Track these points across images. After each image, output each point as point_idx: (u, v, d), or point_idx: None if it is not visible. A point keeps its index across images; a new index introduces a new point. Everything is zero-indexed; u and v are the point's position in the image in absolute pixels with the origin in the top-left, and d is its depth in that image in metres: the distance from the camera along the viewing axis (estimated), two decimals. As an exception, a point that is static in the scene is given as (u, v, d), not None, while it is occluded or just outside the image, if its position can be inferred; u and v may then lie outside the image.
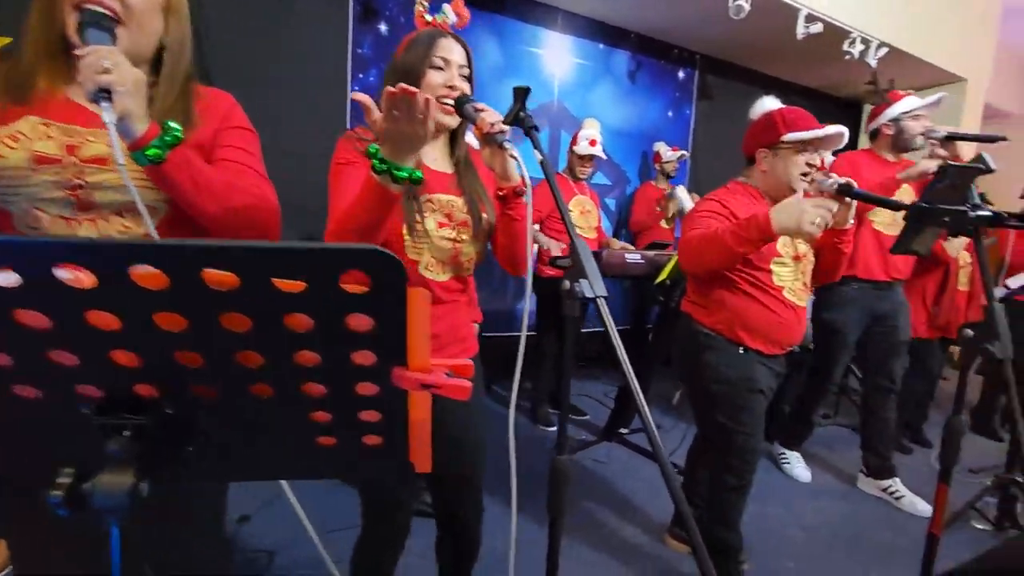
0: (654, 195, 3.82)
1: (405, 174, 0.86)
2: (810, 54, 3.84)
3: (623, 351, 0.72)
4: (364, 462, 0.59)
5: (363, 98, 0.84)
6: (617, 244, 3.12)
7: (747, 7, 3.08)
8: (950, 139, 2.12)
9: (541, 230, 3.01)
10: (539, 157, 0.85)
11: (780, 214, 1.32)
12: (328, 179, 1.09)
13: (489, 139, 0.98)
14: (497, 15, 3.50)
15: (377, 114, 0.84)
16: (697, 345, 1.65)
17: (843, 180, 1.46)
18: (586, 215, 3.12)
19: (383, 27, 3.14)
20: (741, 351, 1.59)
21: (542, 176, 0.90)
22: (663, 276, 2.56)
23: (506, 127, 0.98)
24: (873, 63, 3.75)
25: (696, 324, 1.66)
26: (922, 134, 2.24)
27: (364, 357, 0.46)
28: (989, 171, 1.07)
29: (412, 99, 0.79)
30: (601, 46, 3.92)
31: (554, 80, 3.78)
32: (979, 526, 2.26)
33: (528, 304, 1.12)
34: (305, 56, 2.90)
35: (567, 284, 0.74)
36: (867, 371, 2.53)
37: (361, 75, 3.11)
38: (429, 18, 1.33)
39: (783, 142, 1.55)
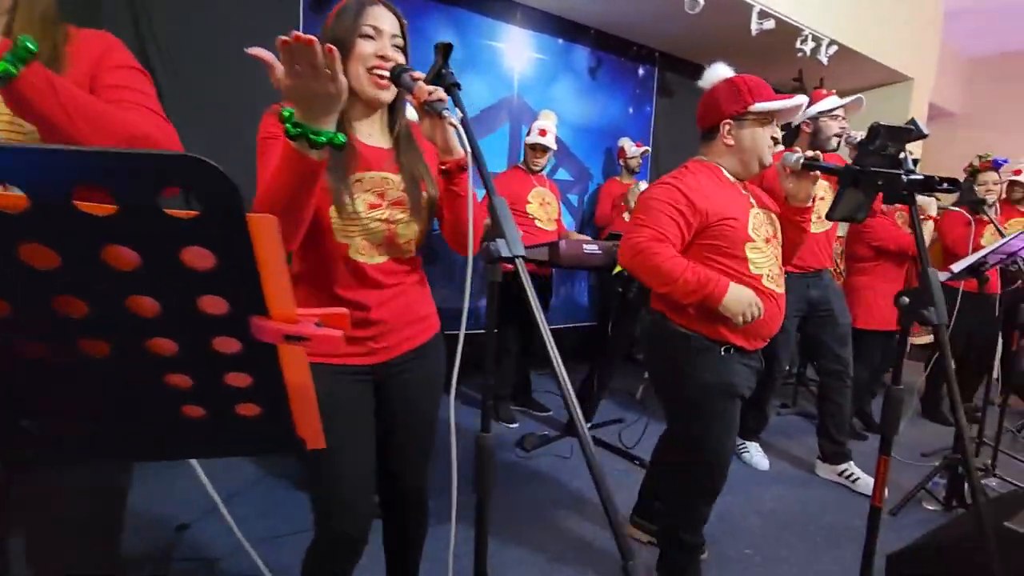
0: (618, 191, 3.84)
1: (324, 138, 0.79)
2: (765, 51, 3.89)
3: (546, 327, 0.67)
4: (245, 437, 0.53)
5: (261, 53, 0.76)
6: (575, 236, 3.09)
7: (702, 1, 3.11)
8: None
9: None
10: (459, 115, 0.79)
11: (733, 296, 1.36)
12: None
13: (428, 108, 0.92)
14: (455, 8, 3.44)
15: (280, 71, 0.77)
16: (674, 348, 1.51)
17: (810, 153, 1.44)
18: (545, 207, 3.08)
19: (335, 17, 3.05)
20: (723, 352, 1.47)
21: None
22: (620, 267, 2.54)
23: (444, 94, 0.93)
24: (824, 61, 3.84)
25: (672, 324, 1.51)
26: (837, 135, 2.29)
27: (214, 304, 0.40)
28: (921, 135, 1.07)
29: (310, 49, 0.72)
30: (560, 41, 3.91)
31: (514, 74, 3.75)
32: (929, 507, 2.31)
33: (468, 291, 1.06)
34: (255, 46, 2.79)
35: (484, 244, 0.69)
36: (818, 358, 2.56)
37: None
38: None
39: (750, 112, 1.46)
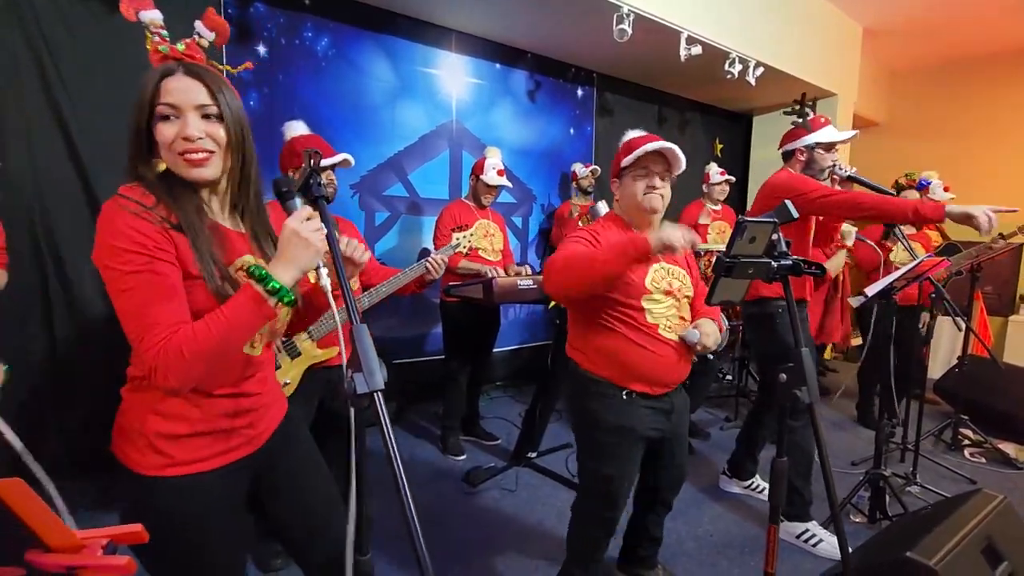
0: (574, 212, 3.90)
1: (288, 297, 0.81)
2: (697, 72, 4.03)
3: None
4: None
5: None
6: (513, 269, 3.11)
7: (629, 31, 3.18)
8: (851, 180, 2.25)
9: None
10: (323, 231, 0.78)
11: (657, 239, 1.27)
12: (103, 268, 0.85)
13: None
14: (388, 36, 3.42)
15: None
16: (581, 391, 1.63)
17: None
18: (490, 238, 3.11)
19: (261, 49, 2.98)
20: (624, 396, 1.55)
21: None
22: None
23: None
24: (752, 81, 3.99)
25: (580, 370, 1.63)
26: (829, 167, 2.26)
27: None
28: (790, 218, 1.12)
29: None
30: (498, 66, 3.92)
31: (451, 101, 3.74)
32: (856, 520, 2.41)
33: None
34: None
35: (348, 373, 0.67)
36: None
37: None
38: (166, 49, 1.02)
39: (623, 169, 1.57)
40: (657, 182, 1.51)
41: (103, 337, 2.43)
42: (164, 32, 0.99)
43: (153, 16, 1.03)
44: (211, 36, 1.06)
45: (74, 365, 2.44)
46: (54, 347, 2.42)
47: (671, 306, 1.55)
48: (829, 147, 2.24)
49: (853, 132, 2.31)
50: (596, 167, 3.98)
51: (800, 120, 2.34)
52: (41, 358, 2.39)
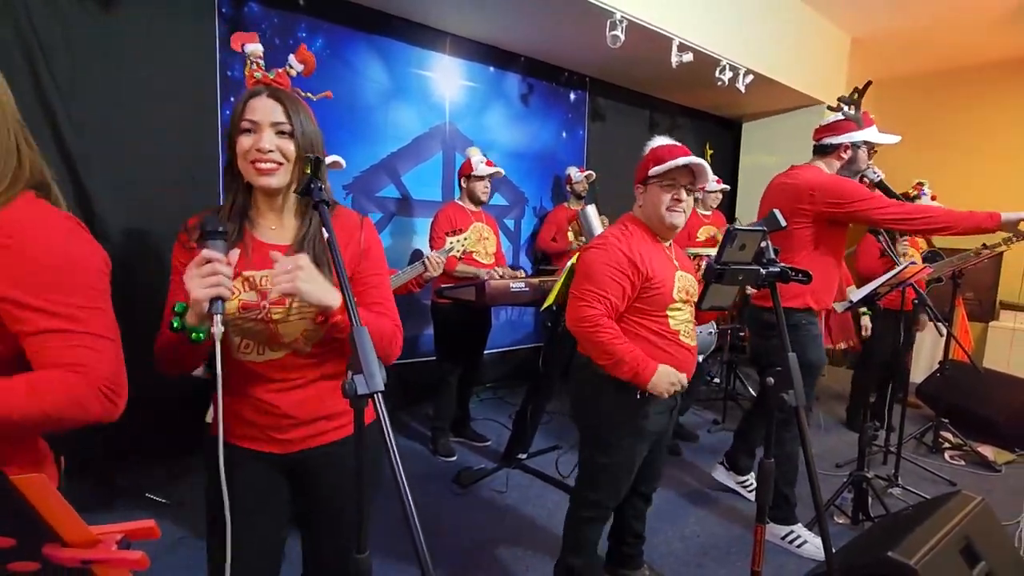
0: (566, 216, 3.93)
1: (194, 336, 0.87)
2: (688, 78, 4.07)
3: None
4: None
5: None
6: (509, 273, 3.13)
7: (622, 37, 3.21)
8: (879, 186, 2.18)
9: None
10: (325, 235, 0.80)
11: (659, 376, 1.50)
12: None
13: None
14: (383, 38, 3.42)
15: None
16: (594, 390, 1.65)
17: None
18: (483, 241, 3.12)
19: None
20: (638, 396, 1.58)
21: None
22: (549, 302, 2.59)
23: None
24: (742, 89, 4.05)
25: (597, 369, 1.61)
26: (862, 171, 2.18)
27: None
28: (778, 227, 1.15)
29: None
30: (492, 69, 3.95)
31: (445, 103, 3.76)
32: (840, 521, 2.46)
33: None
34: (170, 80, 2.66)
35: (349, 375, 0.69)
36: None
37: (233, 99, 2.92)
38: (260, 75, 1.24)
39: (650, 177, 1.57)
40: (683, 195, 1.54)
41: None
42: (261, 61, 1.24)
43: (255, 48, 1.29)
44: (300, 67, 1.28)
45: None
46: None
47: (688, 312, 1.62)
48: (872, 148, 2.11)
49: (897, 137, 2.13)
50: (591, 172, 4.02)
51: (853, 112, 2.12)
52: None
